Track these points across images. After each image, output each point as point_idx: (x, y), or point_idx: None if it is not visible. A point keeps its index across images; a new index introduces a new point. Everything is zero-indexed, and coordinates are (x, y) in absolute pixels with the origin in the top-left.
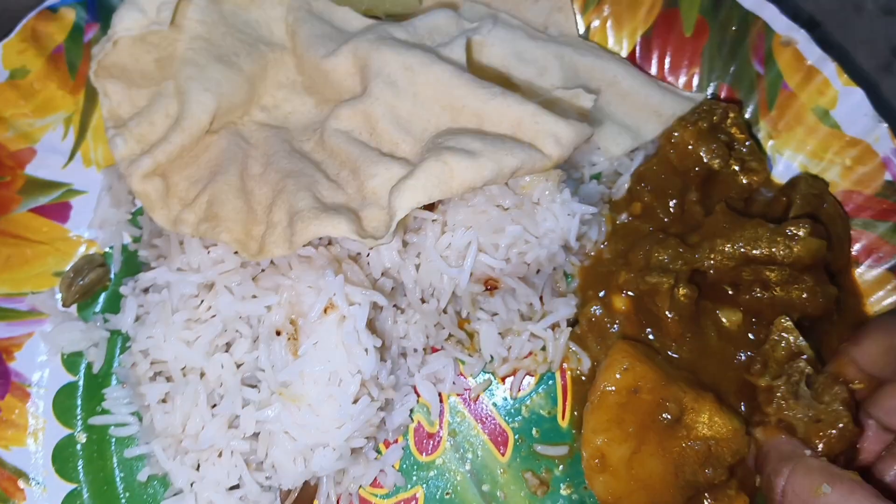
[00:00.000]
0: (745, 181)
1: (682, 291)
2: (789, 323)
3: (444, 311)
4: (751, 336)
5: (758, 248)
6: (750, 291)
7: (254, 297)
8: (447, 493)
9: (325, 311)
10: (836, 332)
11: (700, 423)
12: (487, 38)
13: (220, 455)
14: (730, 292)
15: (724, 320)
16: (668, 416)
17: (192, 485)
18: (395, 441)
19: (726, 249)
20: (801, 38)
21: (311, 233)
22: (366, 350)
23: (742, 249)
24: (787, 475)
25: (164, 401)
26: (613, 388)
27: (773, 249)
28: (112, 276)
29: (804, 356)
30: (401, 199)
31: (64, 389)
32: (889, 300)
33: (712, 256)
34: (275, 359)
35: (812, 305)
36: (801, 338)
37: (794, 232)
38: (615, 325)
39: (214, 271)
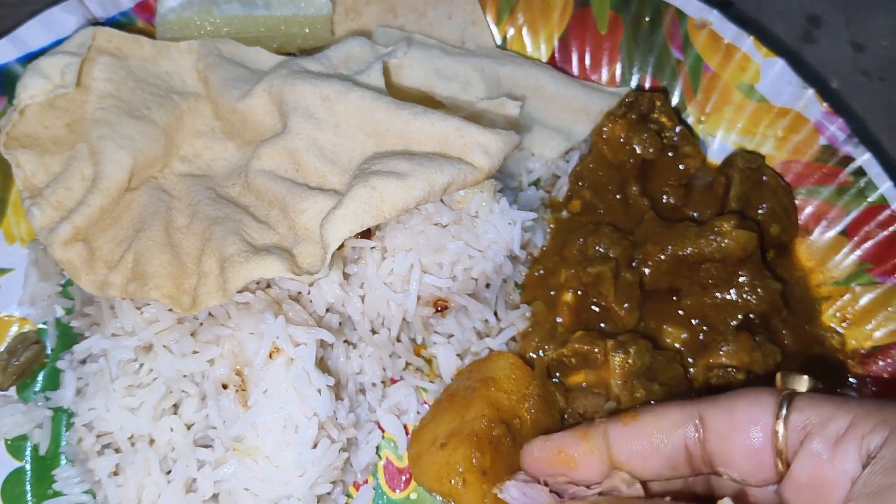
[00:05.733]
0: (681, 167)
1: (626, 275)
2: None
3: (398, 340)
4: (701, 337)
5: (686, 248)
6: (690, 296)
7: (195, 352)
8: None
9: (271, 356)
10: (789, 325)
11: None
12: (404, 60)
13: None
14: (673, 298)
15: (668, 340)
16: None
17: None
18: (365, 482)
19: (657, 254)
20: (715, 19)
21: (243, 277)
22: (319, 390)
23: (671, 251)
24: None
25: (115, 473)
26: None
27: (703, 247)
28: (49, 351)
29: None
30: (332, 231)
31: (12, 477)
32: (847, 262)
33: (647, 262)
34: (225, 414)
35: (755, 302)
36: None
37: (721, 226)
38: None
39: (150, 332)
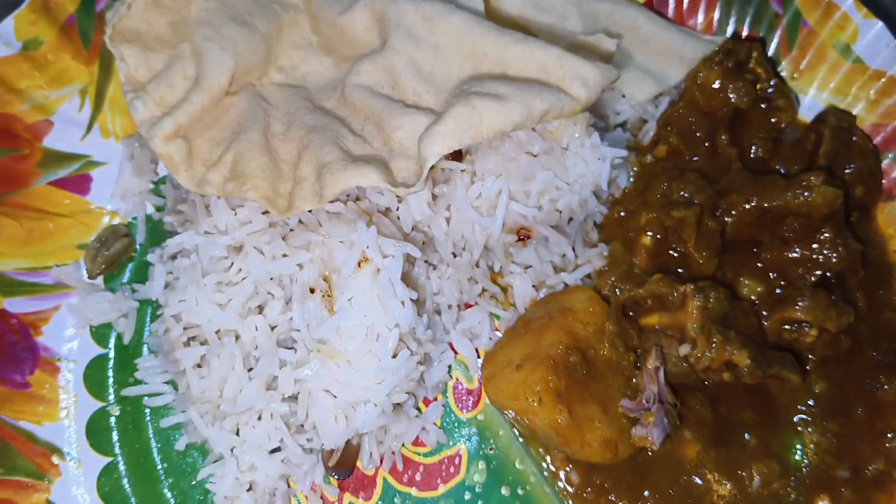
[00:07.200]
0: (773, 120)
1: (709, 223)
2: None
3: (477, 265)
4: (777, 291)
5: (773, 200)
6: (770, 250)
7: (284, 256)
8: (490, 449)
9: (359, 264)
10: (864, 288)
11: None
12: None
13: (259, 418)
14: (753, 250)
15: (744, 291)
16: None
17: (232, 450)
18: (435, 399)
19: (742, 204)
20: None
21: (340, 184)
22: (402, 303)
23: (756, 202)
24: None
25: (199, 365)
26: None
27: (790, 200)
28: (137, 246)
29: None
30: (431, 146)
31: (94, 362)
32: None
33: (730, 212)
34: (310, 317)
35: (835, 260)
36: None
37: (809, 181)
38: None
39: (243, 232)
